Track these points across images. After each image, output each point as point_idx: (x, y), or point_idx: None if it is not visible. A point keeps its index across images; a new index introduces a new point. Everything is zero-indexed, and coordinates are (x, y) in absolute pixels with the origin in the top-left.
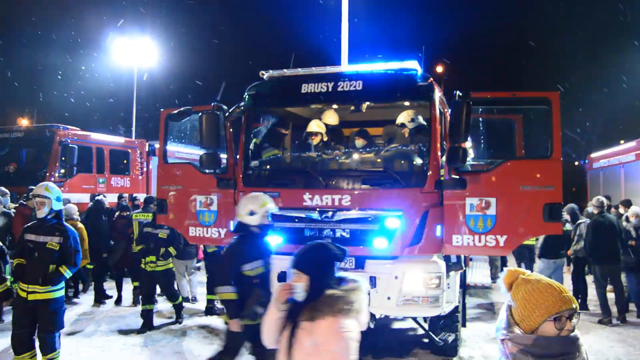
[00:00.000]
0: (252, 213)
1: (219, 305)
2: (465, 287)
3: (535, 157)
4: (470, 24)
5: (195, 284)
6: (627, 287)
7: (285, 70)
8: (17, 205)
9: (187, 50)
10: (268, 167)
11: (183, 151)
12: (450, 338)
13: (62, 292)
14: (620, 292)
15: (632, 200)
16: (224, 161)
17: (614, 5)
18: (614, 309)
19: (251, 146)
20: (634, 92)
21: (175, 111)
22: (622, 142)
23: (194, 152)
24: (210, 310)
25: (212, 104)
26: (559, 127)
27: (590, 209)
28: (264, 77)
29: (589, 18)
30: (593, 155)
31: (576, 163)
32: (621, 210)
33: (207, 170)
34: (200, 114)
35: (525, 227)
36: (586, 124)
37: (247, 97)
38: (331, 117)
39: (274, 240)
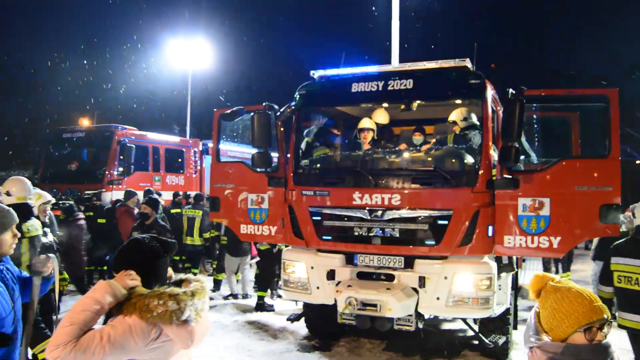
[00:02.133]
0: None
1: (269, 301)
2: (517, 289)
3: (592, 156)
4: (524, 21)
5: (247, 281)
6: None
7: (335, 69)
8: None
9: (240, 51)
10: (318, 165)
11: (236, 150)
12: (501, 340)
13: None
14: None
15: None
16: (275, 160)
17: None
18: None
19: (302, 145)
20: None
21: (228, 111)
22: None
23: (247, 151)
24: (260, 307)
25: (264, 103)
26: (617, 125)
27: None
28: (315, 76)
29: None
30: None
31: (638, 162)
32: None
33: (258, 169)
34: (252, 113)
35: (580, 228)
36: None
37: (297, 96)
38: (381, 115)
39: (325, 238)
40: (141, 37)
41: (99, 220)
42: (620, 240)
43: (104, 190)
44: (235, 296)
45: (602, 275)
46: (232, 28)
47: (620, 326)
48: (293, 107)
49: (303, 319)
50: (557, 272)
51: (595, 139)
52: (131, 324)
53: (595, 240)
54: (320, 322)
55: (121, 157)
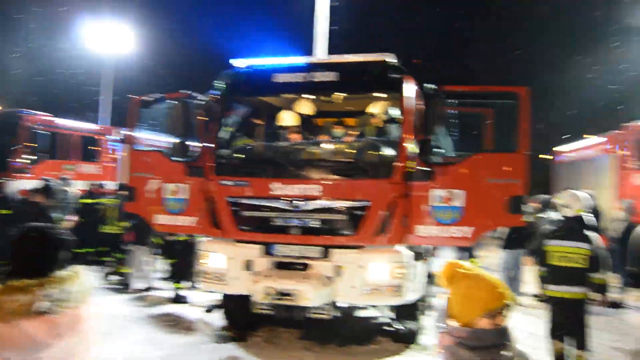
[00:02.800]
0: None
1: (184, 293)
2: (430, 277)
3: (503, 151)
4: (446, 19)
5: (150, 273)
6: None
7: (258, 59)
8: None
9: (162, 37)
10: (239, 156)
11: (154, 139)
12: (413, 326)
13: None
14: None
15: (594, 193)
16: (195, 149)
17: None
18: None
19: (223, 135)
20: (599, 88)
21: (147, 98)
22: (586, 137)
23: (165, 140)
24: (175, 299)
25: (184, 91)
26: (527, 122)
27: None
28: (236, 65)
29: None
30: (557, 149)
31: (543, 157)
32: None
33: (177, 159)
34: (172, 101)
35: (490, 219)
36: (553, 118)
37: (219, 85)
38: (305, 106)
39: (243, 229)
40: (56, 18)
41: (2, 212)
42: (553, 227)
43: (8, 179)
44: (148, 289)
45: (535, 256)
46: (154, 12)
47: (549, 297)
48: (214, 96)
49: (221, 310)
50: (469, 259)
51: (507, 134)
52: None
53: (504, 230)
54: (238, 312)
55: (28, 145)
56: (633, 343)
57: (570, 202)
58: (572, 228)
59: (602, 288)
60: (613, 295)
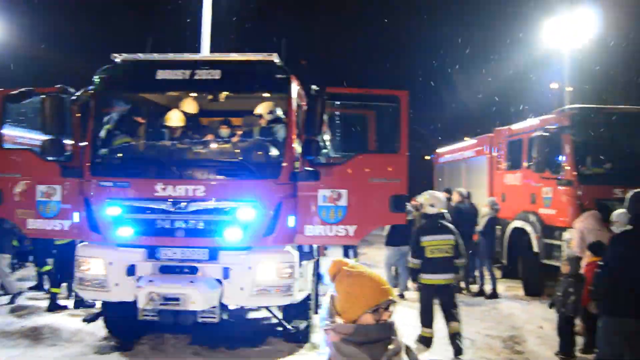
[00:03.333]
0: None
1: (62, 302)
2: (319, 276)
3: (385, 152)
4: (330, 24)
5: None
6: None
7: (140, 54)
8: None
9: (33, 28)
10: (119, 155)
11: (24, 136)
12: (303, 325)
13: None
14: None
15: (472, 192)
16: (70, 148)
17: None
18: None
19: (101, 133)
20: (480, 91)
21: (15, 92)
22: (466, 138)
23: (37, 138)
24: (52, 307)
25: (57, 85)
26: (406, 124)
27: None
28: (117, 60)
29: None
30: (438, 150)
31: (426, 157)
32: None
33: (49, 158)
34: (43, 96)
35: (373, 217)
36: (434, 120)
37: (97, 80)
38: (189, 105)
39: (125, 232)
40: None
41: None
42: (423, 223)
43: None
44: (12, 299)
45: (411, 251)
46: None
47: (425, 285)
48: (91, 91)
49: (101, 319)
50: (355, 257)
51: (389, 135)
52: None
53: (387, 228)
54: (121, 321)
55: None
56: (506, 330)
57: (434, 201)
58: (440, 223)
59: (466, 272)
60: (487, 287)
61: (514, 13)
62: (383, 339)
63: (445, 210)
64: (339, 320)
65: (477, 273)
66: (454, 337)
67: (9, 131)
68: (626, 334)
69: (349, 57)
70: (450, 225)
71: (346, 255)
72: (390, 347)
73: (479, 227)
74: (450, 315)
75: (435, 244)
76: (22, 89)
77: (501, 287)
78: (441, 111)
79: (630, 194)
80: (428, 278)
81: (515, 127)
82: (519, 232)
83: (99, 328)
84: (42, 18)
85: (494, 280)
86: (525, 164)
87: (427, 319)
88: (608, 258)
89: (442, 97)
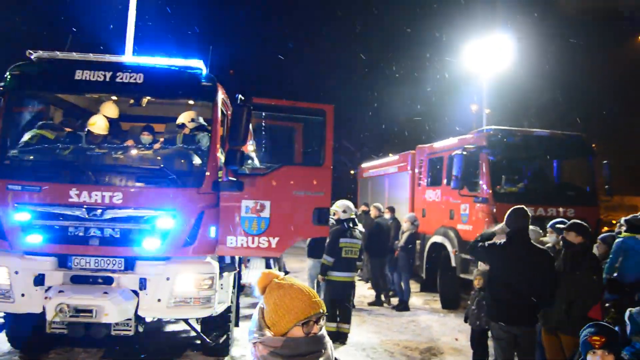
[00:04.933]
0: None
1: None
2: (239, 288)
3: (309, 164)
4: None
5: None
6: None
7: (58, 52)
8: None
9: None
10: (30, 157)
11: None
12: (222, 338)
13: None
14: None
15: (394, 206)
16: None
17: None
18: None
19: (10, 132)
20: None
21: None
22: (391, 155)
23: None
24: None
25: None
26: (331, 137)
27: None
28: (32, 57)
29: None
30: (363, 165)
31: (352, 172)
32: (386, 215)
33: None
34: None
35: (296, 229)
36: (360, 136)
37: (9, 77)
38: (110, 109)
39: (34, 239)
40: None
41: None
42: (339, 227)
43: None
44: None
45: (328, 250)
46: None
47: (330, 281)
48: (2, 89)
49: (4, 331)
50: (280, 270)
51: (315, 148)
52: None
53: (309, 239)
54: (26, 333)
55: None
56: (424, 342)
57: (345, 208)
58: (352, 228)
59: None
60: (395, 299)
61: (438, 36)
62: (313, 352)
63: (354, 217)
64: (268, 333)
65: (402, 285)
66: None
67: None
68: (509, 338)
69: (277, 70)
70: (358, 231)
71: (268, 267)
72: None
73: (400, 242)
74: (344, 311)
75: (350, 246)
76: None
77: (420, 300)
78: (368, 127)
79: (509, 210)
80: (337, 275)
81: (436, 145)
82: (438, 247)
83: (1, 342)
84: None
85: (408, 293)
86: (444, 181)
87: (332, 315)
88: (490, 269)
89: (369, 113)
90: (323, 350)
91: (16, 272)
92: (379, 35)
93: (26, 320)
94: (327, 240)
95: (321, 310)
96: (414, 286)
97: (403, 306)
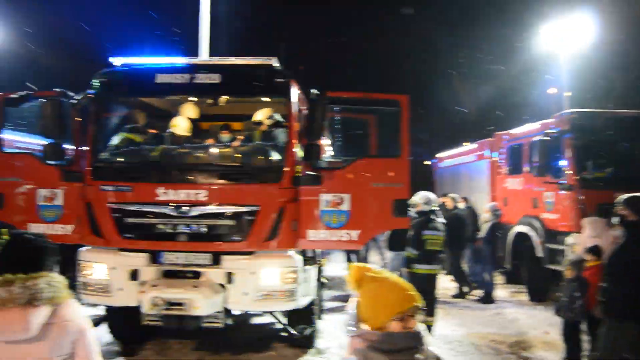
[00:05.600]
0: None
1: None
2: (321, 280)
3: (386, 156)
4: (328, 28)
5: None
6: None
7: (138, 58)
8: None
9: (33, 30)
10: (120, 159)
11: (25, 141)
12: (307, 330)
13: None
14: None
15: (471, 196)
16: (71, 152)
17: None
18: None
19: (101, 137)
20: (477, 97)
21: (14, 95)
22: (464, 144)
23: (37, 142)
24: None
25: (57, 89)
26: (407, 128)
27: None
28: (116, 64)
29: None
30: (439, 155)
31: (425, 162)
32: (460, 205)
33: (50, 162)
34: (42, 99)
35: (376, 222)
36: (435, 126)
37: (96, 84)
38: (190, 109)
39: (127, 236)
40: None
41: None
42: (422, 219)
43: None
44: None
45: (411, 242)
46: (24, 6)
47: (414, 274)
48: (91, 95)
49: (106, 324)
50: (360, 262)
51: (390, 140)
52: None
53: (387, 232)
54: (124, 325)
55: None
56: (511, 336)
57: (428, 200)
58: (434, 220)
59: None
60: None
61: (512, 18)
62: (410, 347)
63: (436, 208)
64: (364, 326)
65: (485, 277)
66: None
67: (9, 135)
68: (629, 337)
69: (347, 63)
70: (440, 222)
71: (349, 260)
72: (418, 356)
73: (481, 233)
74: (431, 307)
75: (433, 238)
76: (22, 93)
77: (505, 292)
78: (439, 116)
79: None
80: (420, 268)
81: (515, 131)
82: (522, 237)
83: (103, 333)
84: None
85: (492, 285)
86: (526, 169)
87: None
88: (612, 262)
89: (440, 102)
90: (420, 347)
91: (113, 268)
92: (450, 19)
93: (124, 313)
94: (410, 233)
95: (417, 304)
96: (498, 278)
97: (487, 299)
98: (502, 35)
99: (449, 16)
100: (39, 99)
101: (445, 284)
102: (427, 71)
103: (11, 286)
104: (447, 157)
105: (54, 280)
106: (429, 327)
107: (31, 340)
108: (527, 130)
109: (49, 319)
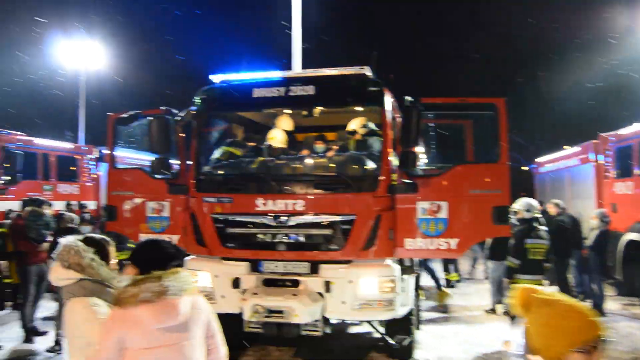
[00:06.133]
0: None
1: None
2: (418, 290)
3: (484, 162)
4: (419, 33)
5: None
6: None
7: (236, 74)
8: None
9: (136, 54)
10: (220, 172)
11: (134, 157)
12: (406, 341)
13: None
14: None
15: (576, 202)
16: (176, 166)
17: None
18: None
19: (203, 151)
20: (576, 99)
21: (124, 115)
22: (565, 147)
23: (145, 158)
24: None
25: (162, 107)
26: (505, 132)
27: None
28: (214, 80)
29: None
30: (539, 159)
31: (523, 168)
32: (552, 210)
33: (158, 176)
34: (149, 118)
35: (475, 229)
36: (533, 129)
37: (197, 101)
38: (285, 122)
39: (229, 245)
40: (30, 35)
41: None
42: (523, 227)
43: None
44: None
45: (513, 252)
46: (128, 29)
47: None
48: (193, 112)
49: None
50: (456, 271)
51: (486, 145)
52: None
53: (488, 241)
54: (226, 332)
55: (6, 165)
56: (627, 352)
57: (530, 207)
58: (537, 228)
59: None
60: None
61: (608, 14)
62: None
63: (539, 215)
64: (535, 358)
65: (594, 288)
66: None
67: (121, 152)
68: None
69: (436, 68)
70: (544, 230)
71: (447, 270)
72: None
73: (588, 241)
74: None
75: (536, 247)
76: (131, 112)
77: (617, 305)
78: (536, 119)
79: None
80: (526, 278)
81: (623, 132)
82: (634, 245)
83: None
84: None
85: (602, 297)
86: (637, 172)
87: None
88: None
89: (536, 105)
90: None
91: (216, 276)
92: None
93: (226, 319)
94: (511, 242)
95: (601, 332)
96: (609, 289)
97: (597, 311)
98: (599, 31)
99: (545, 13)
100: (147, 117)
101: None
102: (522, 72)
103: (160, 281)
104: (548, 162)
105: (187, 275)
106: None
107: (181, 325)
108: (637, 130)
109: (191, 306)
